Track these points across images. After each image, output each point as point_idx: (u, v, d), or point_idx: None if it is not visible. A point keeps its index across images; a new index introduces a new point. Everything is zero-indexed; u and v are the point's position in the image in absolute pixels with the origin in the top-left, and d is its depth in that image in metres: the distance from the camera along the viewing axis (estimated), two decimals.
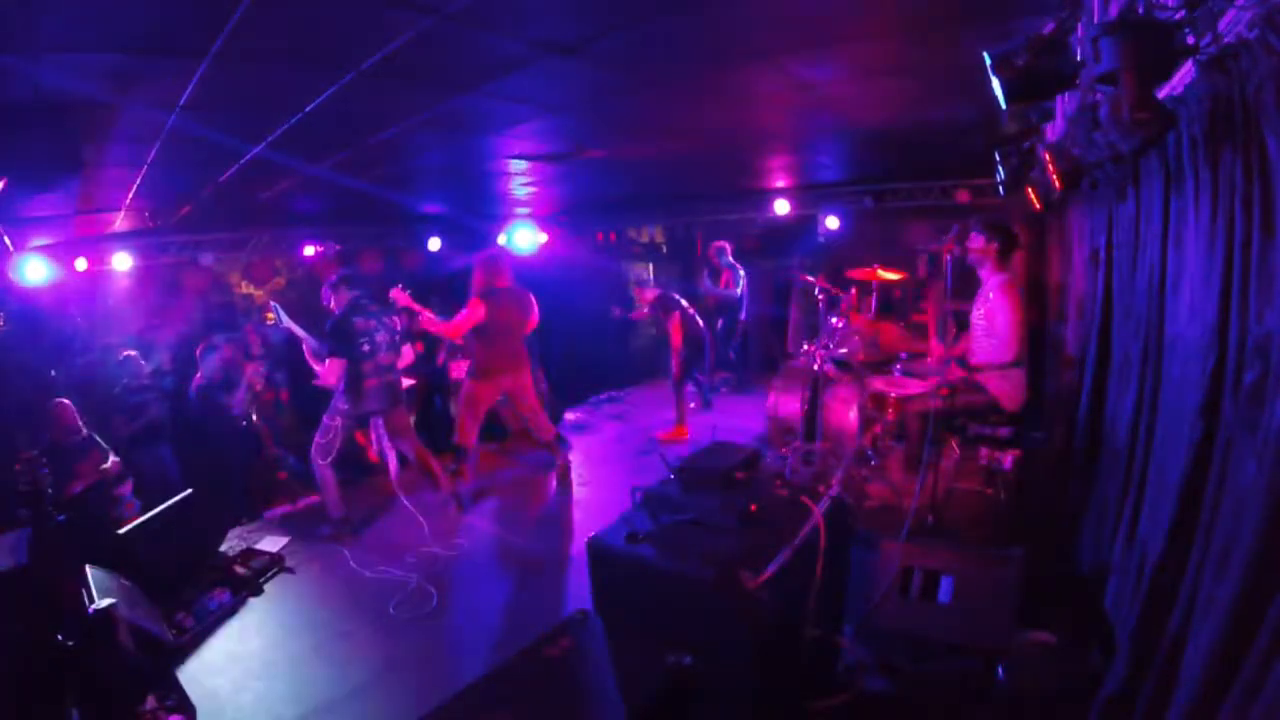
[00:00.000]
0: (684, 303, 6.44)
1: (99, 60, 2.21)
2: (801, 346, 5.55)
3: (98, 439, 4.74)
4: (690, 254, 10.29)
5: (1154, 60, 1.60)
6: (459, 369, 6.25)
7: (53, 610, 2.69)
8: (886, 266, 5.55)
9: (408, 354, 4.79)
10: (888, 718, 2.53)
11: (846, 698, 2.46)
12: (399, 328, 4.63)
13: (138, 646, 2.76)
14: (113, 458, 4.69)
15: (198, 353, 5.29)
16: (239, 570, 4.00)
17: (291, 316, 4.65)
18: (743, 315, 7.95)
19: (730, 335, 8.00)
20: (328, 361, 4.27)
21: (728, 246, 7.98)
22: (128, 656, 2.64)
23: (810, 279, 5.84)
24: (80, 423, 4.65)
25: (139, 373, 5.37)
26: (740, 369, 8.24)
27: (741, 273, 7.87)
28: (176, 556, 3.97)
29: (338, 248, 7.24)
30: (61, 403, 4.63)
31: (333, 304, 4.48)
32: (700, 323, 6.49)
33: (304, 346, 4.49)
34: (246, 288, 8.22)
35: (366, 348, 4.36)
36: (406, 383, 5.22)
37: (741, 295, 7.83)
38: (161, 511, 4.12)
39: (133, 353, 5.61)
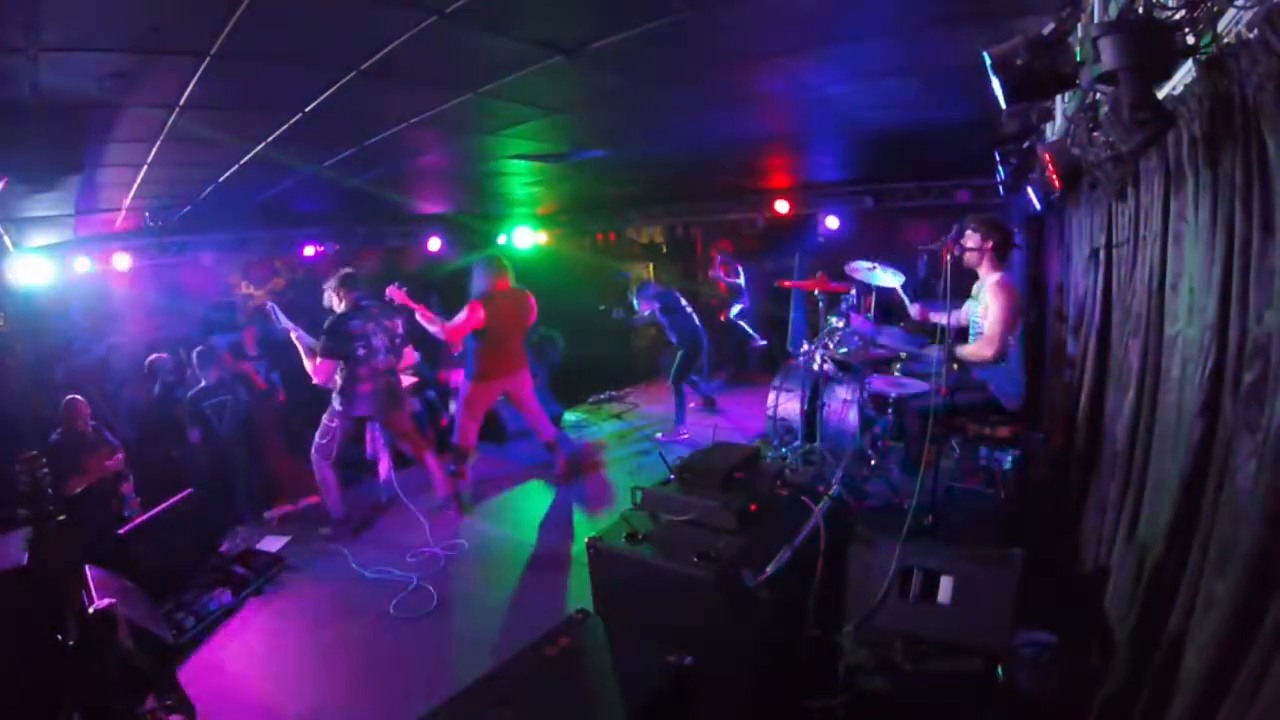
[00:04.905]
0: (682, 300, 6.48)
1: (99, 60, 2.21)
2: (801, 346, 5.55)
3: (106, 434, 4.75)
4: (690, 254, 10.29)
5: (1154, 60, 1.60)
6: (456, 376, 6.27)
7: (53, 610, 2.69)
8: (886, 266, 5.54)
9: (409, 355, 4.78)
10: (887, 718, 2.53)
11: (846, 698, 2.46)
12: (400, 331, 4.62)
13: (138, 646, 2.75)
14: (119, 454, 4.70)
15: (194, 357, 5.24)
16: (239, 570, 4.00)
17: (291, 317, 4.63)
18: (746, 304, 8.08)
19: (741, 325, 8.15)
20: (319, 361, 4.26)
21: (729, 246, 8.20)
22: (128, 656, 2.64)
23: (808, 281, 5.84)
24: (89, 417, 4.66)
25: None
26: (743, 364, 8.34)
27: (739, 267, 8.08)
28: (176, 556, 3.97)
29: (338, 247, 7.23)
30: (74, 399, 4.64)
31: (335, 303, 4.47)
32: (697, 321, 6.51)
33: (298, 343, 4.48)
34: (246, 288, 8.22)
35: (362, 351, 4.34)
36: (408, 381, 5.21)
37: (743, 287, 8.05)
38: (162, 511, 4.12)
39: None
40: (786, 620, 2.31)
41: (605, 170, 5.54)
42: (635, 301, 6.56)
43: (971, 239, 3.67)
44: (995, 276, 3.63)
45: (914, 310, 4.21)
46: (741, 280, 8.05)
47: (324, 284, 4.53)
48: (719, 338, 8.02)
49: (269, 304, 4.56)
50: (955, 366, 3.77)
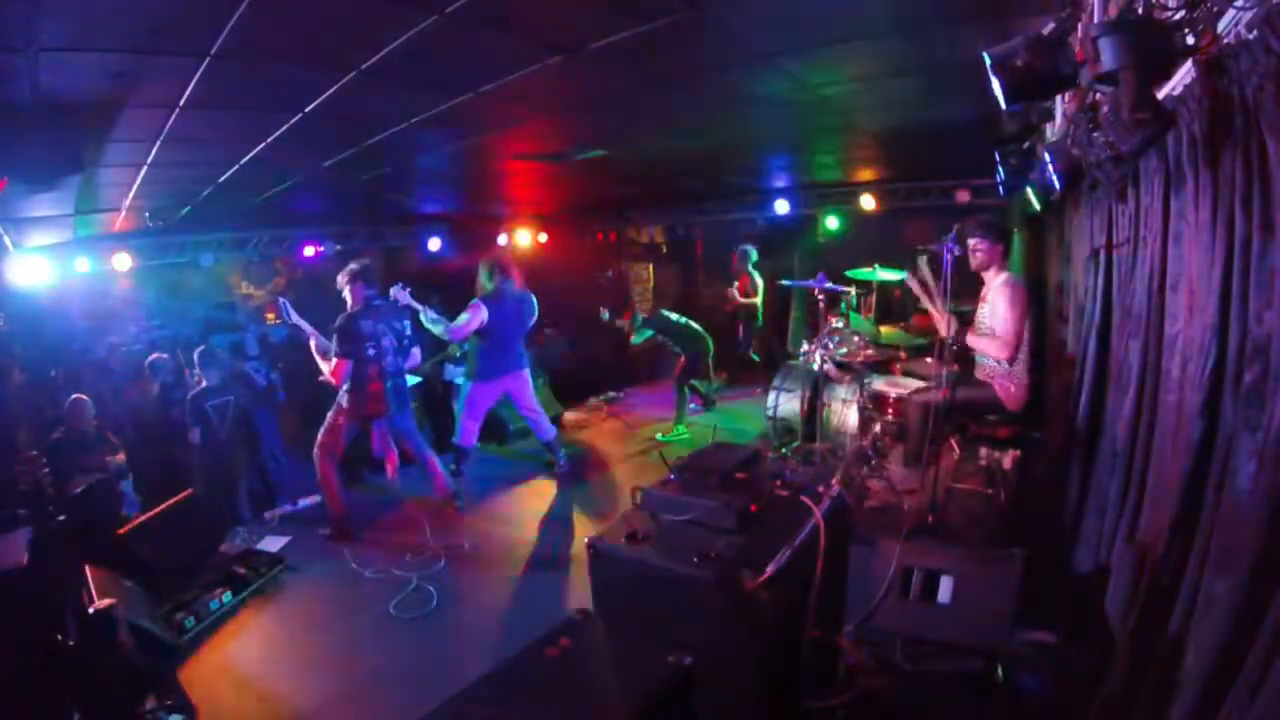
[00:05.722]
0: (673, 317, 6.47)
1: (99, 60, 2.21)
2: (801, 346, 5.55)
3: (108, 434, 4.75)
4: (690, 254, 10.29)
5: (1154, 60, 1.60)
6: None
7: (53, 610, 2.69)
8: (886, 266, 5.56)
9: (416, 354, 4.79)
10: (888, 718, 2.53)
11: (846, 698, 2.46)
12: (408, 331, 4.62)
13: (138, 646, 2.76)
14: (121, 454, 4.71)
15: (195, 357, 5.24)
16: (239, 570, 4.00)
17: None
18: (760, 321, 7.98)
19: (750, 339, 8.04)
20: (334, 361, 4.26)
21: (753, 250, 7.82)
22: (128, 656, 2.64)
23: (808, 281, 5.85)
24: (92, 417, 4.67)
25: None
26: (743, 364, 8.27)
27: (759, 280, 7.80)
28: (176, 556, 3.97)
29: (338, 247, 7.23)
30: (80, 398, 4.64)
31: (347, 295, 4.46)
32: (697, 327, 6.50)
33: (312, 344, 4.48)
34: (246, 288, 8.23)
35: (372, 351, 4.34)
36: (412, 381, 5.21)
37: (760, 302, 7.83)
38: (162, 511, 4.12)
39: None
40: (786, 620, 2.30)
41: (605, 170, 5.55)
42: (633, 339, 6.53)
43: (981, 245, 3.67)
44: (1003, 276, 3.64)
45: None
46: (758, 299, 7.81)
47: (340, 276, 4.50)
48: (722, 339, 7.94)
49: (281, 300, 4.55)
50: (956, 367, 3.77)
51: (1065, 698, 2.37)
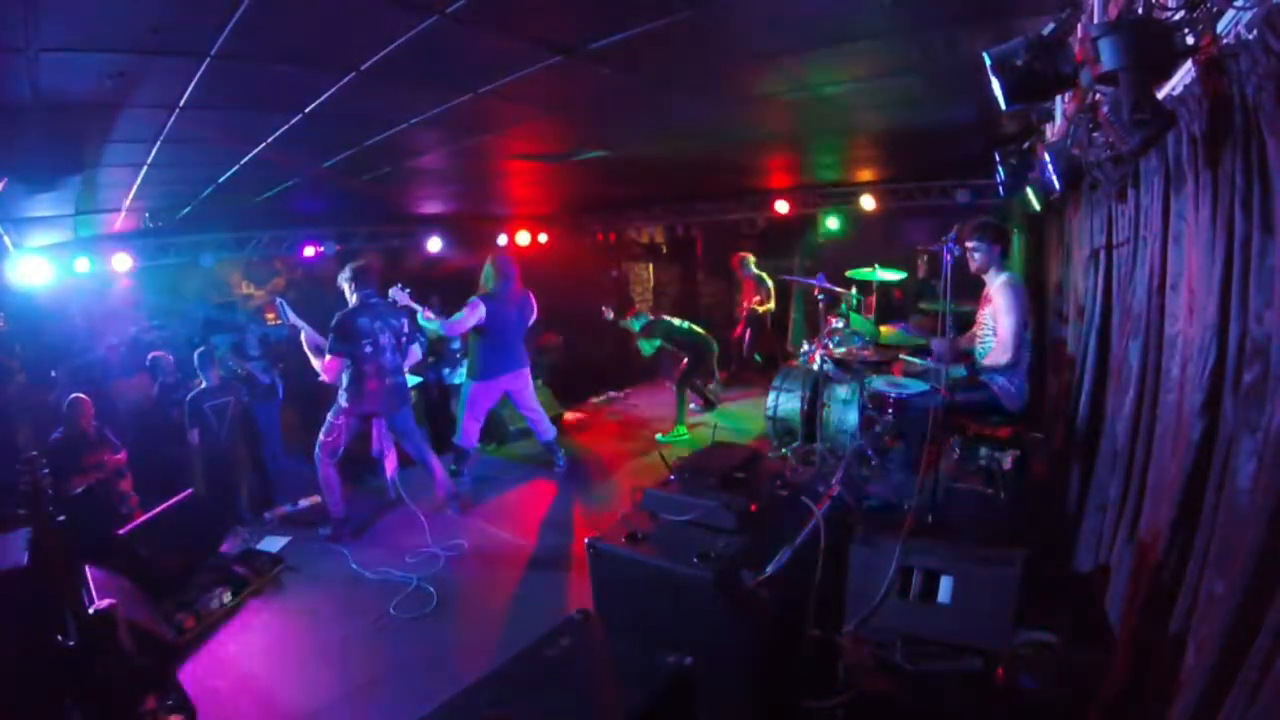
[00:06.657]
0: (675, 321, 6.48)
1: (99, 60, 2.21)
2: (801, 346, 5.55)
3: (108, 433, 4.75)
4: (690, 254, 10.29)
5: (1154, 60, 1.60)
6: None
7: (53, 610, 2.69)
8: (886, 266, 5.56)
9: (415, 352, 4.79)
10: (887, 718, 2.53)
11: (846, 698, 2.46)
12: (406, 329, 4.62)
13: (138, 646, 2.75)
14: (122, 453, 4.71)
15: (195, 358, 5.24)
16: (239, 570, 4.00)
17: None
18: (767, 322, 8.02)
19: (755, 343, 8.10)
20: (326, 359, 4.26)
21: (750, 257, 7.88)
22: (128, 656, 2.64)
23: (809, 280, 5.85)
24: (92, 417, 4.67)
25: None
26: (743, 364, 8.34)
27: (769, 283, 7.80)
28: (176, 556, 3.97)
29: (339, 247, 7.23)
30: (80, 398, 4.65)
31: (347, 295, 4.46)
32: (699, 330, 6.51)
33: (304, 339, 4.49)
34: (247, 288, 8.22)
35: (369, 349, 4.34)
36: (412, 380, 5.21)
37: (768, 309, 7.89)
38: (162, 511, 4.12)
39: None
40: (786, 620, 2.31)
41: (605, 170, 5.54)
42: (643, 347, 6.54)
43: (979, 248, 3.67)
44: (1003, 277, 3.65)
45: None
46: (771, 304, 7.86)
47: (340, 274, 4.51)
48: (723, 339, 7.97)
49: (278, 300, 4.56)
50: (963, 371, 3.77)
51: (1065, 698, 2.37)
